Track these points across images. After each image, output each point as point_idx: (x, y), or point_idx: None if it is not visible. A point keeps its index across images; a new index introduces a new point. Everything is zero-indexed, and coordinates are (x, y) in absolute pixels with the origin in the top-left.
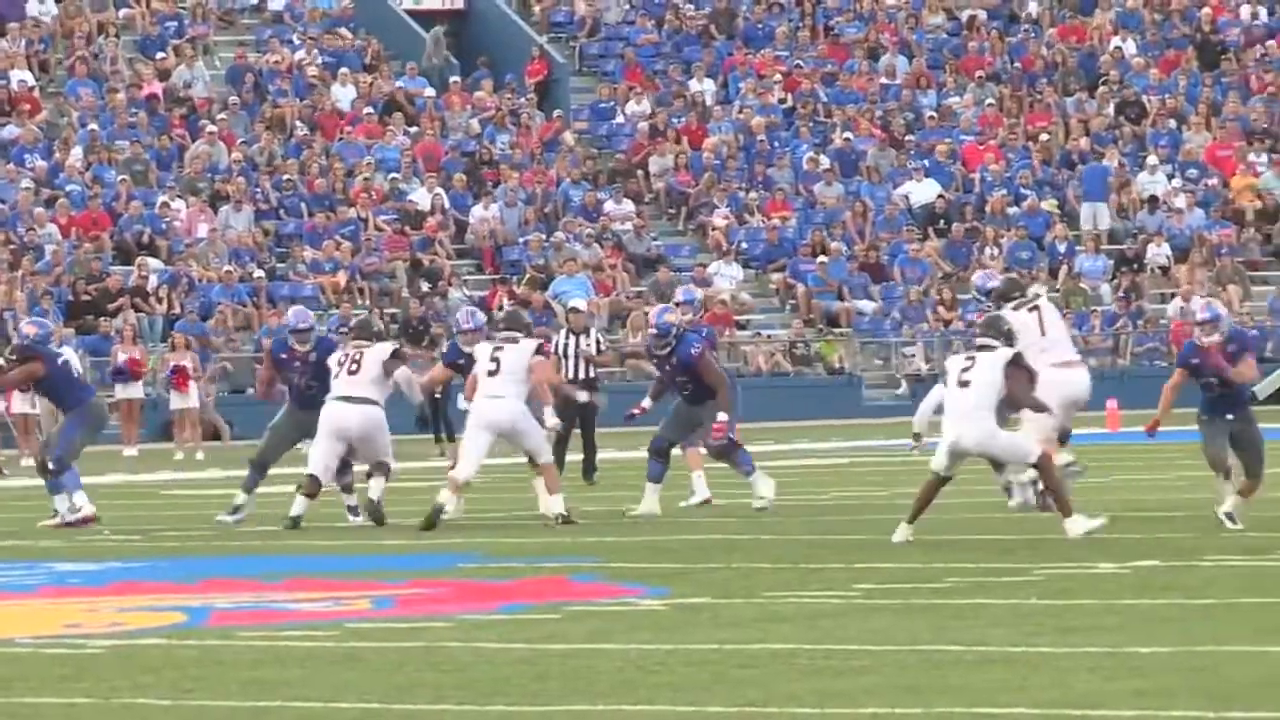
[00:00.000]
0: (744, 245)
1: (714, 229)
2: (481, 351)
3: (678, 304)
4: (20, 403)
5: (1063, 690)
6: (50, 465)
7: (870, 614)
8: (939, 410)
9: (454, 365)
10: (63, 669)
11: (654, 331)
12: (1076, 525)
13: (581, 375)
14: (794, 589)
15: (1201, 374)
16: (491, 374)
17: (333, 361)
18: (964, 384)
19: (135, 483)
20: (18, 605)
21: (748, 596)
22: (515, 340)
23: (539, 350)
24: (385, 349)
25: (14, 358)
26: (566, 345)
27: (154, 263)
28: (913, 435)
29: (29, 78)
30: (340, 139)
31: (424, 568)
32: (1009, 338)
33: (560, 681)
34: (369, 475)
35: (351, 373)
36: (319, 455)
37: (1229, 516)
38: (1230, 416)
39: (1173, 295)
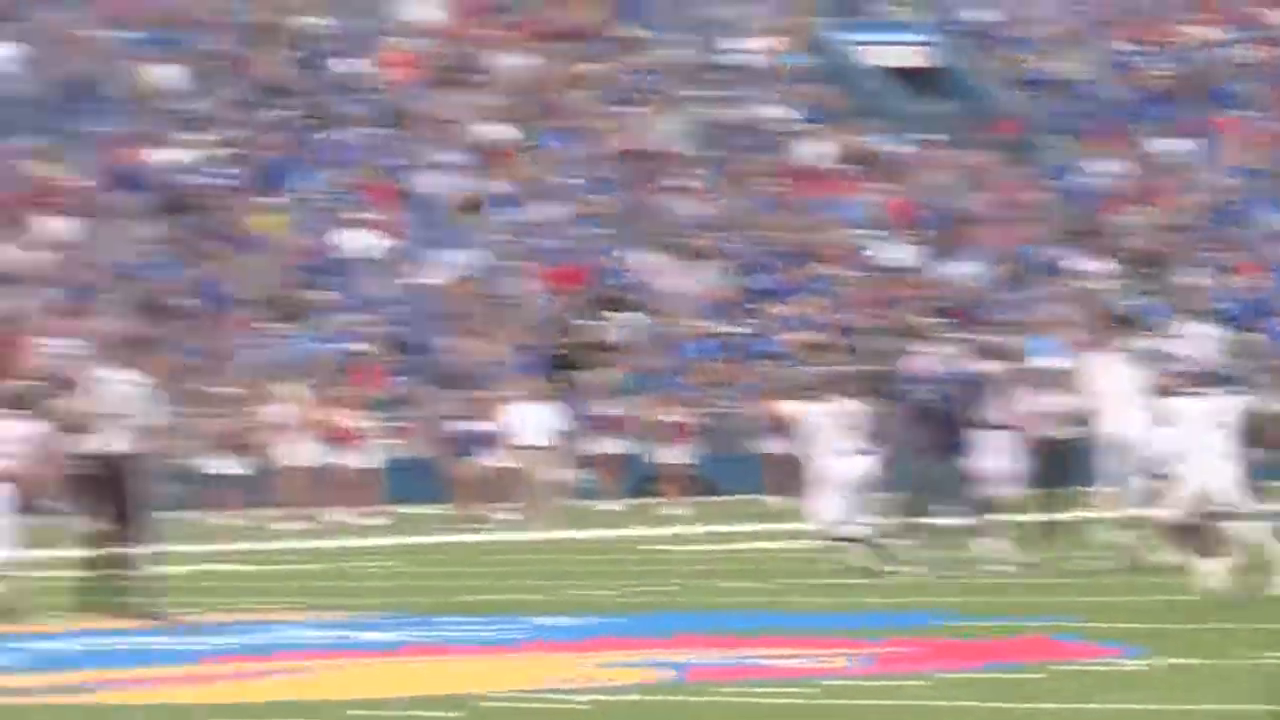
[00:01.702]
0: (1219, 305)
1: (1188, 288)
2: None
3: None
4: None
5: None
6: None
7: None
8: None
9: None
10: None
11: None
12: None
13: None
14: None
15: None
16: None
17: None
18: None
19: (611, 538)
20: (499, 660)
21: (1236, 658)
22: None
23: None
24: None
25: None
26: None
27: (626, 316)
28: None
29: (509, 132)
30: (810, 195)
31: (900, 626)
32: None
33: None
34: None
35: None
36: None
37: None
38: None
39: None
